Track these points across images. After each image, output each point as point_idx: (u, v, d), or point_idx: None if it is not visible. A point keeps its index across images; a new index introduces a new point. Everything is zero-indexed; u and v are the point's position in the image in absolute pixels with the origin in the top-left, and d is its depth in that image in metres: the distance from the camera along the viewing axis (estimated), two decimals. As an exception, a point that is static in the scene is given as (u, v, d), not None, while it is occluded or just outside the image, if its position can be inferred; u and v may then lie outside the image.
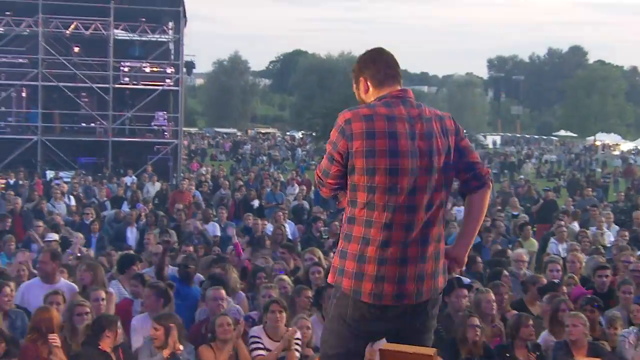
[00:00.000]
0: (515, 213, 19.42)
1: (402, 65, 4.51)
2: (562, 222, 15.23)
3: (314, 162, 45.04)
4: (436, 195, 4.08)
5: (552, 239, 14.27)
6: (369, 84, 4.27)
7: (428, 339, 4.28)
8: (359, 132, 4.00)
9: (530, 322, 7.72)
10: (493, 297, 8.29)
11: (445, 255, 4.25)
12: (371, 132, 3.99)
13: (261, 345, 7.56)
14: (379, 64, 4.25)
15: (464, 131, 4.28)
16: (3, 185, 22.21)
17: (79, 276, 9.11)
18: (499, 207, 19.92)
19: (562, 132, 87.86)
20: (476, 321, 7.45)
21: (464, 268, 7.24)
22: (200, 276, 10.06)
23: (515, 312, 8.50)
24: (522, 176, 36.82)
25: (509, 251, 12.60)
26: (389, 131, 3.99)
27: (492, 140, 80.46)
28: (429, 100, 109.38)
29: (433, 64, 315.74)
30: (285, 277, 9.39)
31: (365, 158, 3.99)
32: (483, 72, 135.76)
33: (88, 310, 7.44)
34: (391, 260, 4.04)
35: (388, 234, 4.02)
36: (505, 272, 10.06)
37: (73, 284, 8.89)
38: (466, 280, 9.46)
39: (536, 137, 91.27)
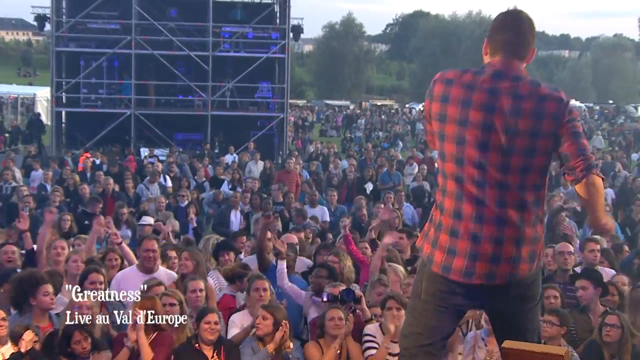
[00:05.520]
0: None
1: (539, 27, 4.56)
2: None
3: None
4: (513, 177, 4.23)
5: None
6: (487, 48, 4.52)
7: (517, 328, 4.44)
8: (438, 95, 4.39)
9: None
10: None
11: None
12: (446, 96, 4.34)
13: (376, 345, 7.48)
14: (502, 32, 4.42)
15: (576, 116, 4.29)
16: (91, 164, 22.76)
17: (181, 264, 9.23)
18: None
19: None
20: (614, 320, 7.35)
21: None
22: (307, 261, 10.21)
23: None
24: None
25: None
26: (462, 99, 4.27)
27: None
28: (569, 66, 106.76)
29: (575, 25, 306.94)
30: (398, 267, 9.11)
31: (439, 122, 4.39)
32: (634, 34, 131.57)
33: (175, 301, 7.42)
34: (463, 234, 4.31)
35: (458, 205, 4.32)
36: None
37: (173, 273, 9.04)
38: (610, 271, 9.33)
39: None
